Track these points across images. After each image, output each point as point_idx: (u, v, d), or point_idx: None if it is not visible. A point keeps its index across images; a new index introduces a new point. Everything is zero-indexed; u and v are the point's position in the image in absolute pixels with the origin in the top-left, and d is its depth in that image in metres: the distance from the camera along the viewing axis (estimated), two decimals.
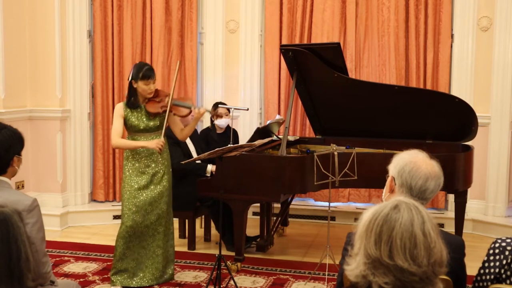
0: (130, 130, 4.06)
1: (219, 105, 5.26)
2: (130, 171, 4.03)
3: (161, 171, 4.09)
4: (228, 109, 5.18)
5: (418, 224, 1.48)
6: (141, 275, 4.07)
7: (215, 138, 5.24)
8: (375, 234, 1.49)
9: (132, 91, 4.02)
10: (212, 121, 5.34)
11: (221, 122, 5.23)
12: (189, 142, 5.07)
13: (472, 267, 2.31)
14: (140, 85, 3.98)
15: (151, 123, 4.04)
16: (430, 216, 1.52)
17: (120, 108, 4.05)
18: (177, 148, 4.90)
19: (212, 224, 5.24)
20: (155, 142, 3.94)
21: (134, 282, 4.06)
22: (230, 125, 5.02)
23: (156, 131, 4.06)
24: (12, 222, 1.72)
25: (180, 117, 4.22)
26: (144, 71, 3.96)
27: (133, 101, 4.02)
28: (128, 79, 4.05)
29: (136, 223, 3.99)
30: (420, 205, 1.54)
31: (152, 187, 4.05)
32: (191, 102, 4.22)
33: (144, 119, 4.04)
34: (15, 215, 1.75)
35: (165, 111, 4.01)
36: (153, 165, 4.06)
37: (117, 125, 4.01)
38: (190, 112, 4.13)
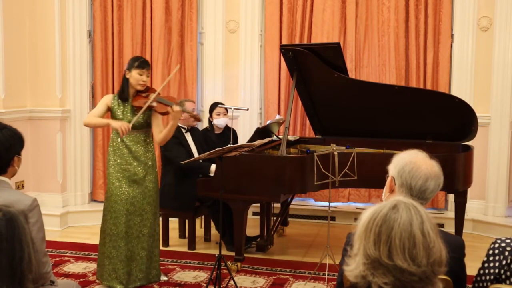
0: None
1: (219, 105, 5.26)
2: (113, 167, 3.99)
3: (143, 171, 4.01)
4: (226, 109, 5.18)
5: (417, 224, 1.48)
6: (128, 278, 3.99)
7: (214, 139, 5.23)
8: (374, 234, 1.49)
9: (125, 83, 4.01)
10: (210, 121, 5.33)
11: (219, 122, 5.23)
12: (191, 142, 5.08)
13: (472, 267, 2.31)
14: (134, 74, 3.96)
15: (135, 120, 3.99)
16: (429, 216, 1.52)
17: (108, 98, 4.05)
18: (180, 148, 4.91)
19: (212, 224, 5.24)
20: (120, 123, 3.86)
21: (119, 285, 3.98)
22: (230, 125, 5.02)
23: (140, 129, 4.00)
24: (18, 222, 1.73)
25: (159, 114, 4.04)
26: (140, 61, 3.99)
27: (123, 93, 4.00)
28: (124, 70, 4.05)
29: (119, 221, 3.95)
30: (419, 205, 1.54)
31: (134, 186, 3.99)
32: (176, 103, 4.01)
33: (129, 115, 3.99)
34: (21, 216, 1.76)
35: (153, 111, 3.99)
36: (135, 164, 3.99)
37: (97, 109, 4.02)
38: (169, 111, 3.96)
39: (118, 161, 3.98)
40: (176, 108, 3.90)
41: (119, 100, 4.01)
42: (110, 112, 4.05)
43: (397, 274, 1.46)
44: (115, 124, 3.88)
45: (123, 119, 3.97)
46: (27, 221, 1.79)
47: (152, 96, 3.94)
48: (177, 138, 4.89)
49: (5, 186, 2.50)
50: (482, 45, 5.60)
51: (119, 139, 3.99)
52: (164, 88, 6.05)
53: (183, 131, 5.04)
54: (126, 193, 3.97)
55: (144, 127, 4.03)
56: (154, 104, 3.96)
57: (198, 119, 4.43)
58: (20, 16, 5.62)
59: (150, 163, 4.07)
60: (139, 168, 4.00)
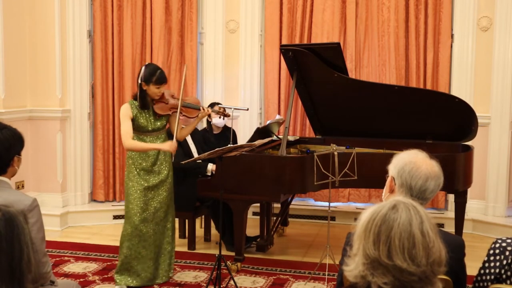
0: (137, 130, 4.05)
1: (218, 105, 5.24)
2: (138, 170, 4.06)
3: (166, 169, 4.15)
4: (225, 109, 5.17)
5: (417, 224, 1.48)
6: (155, 273, 4.13)
7: (212, 140, 5.22)
8: (373, 234, 1.49)
9: (142, 93, 4.03)
10: (208, 122, 5.32)
11: (217, 121, 5.22)
12: (190, 142, 5.07)
13: (472, 267, 2.31)
14: (152, 89, 4.00)
15: (158, 123, 4.10)
16: (428, 216, 1.52)
17: (127, 109, 4.02)
18: (178, 148, 4.89)
19: (212, 224, 5.24)
20: (169, 145, 3.99)
21: (148, 282, 4.11)
22: (230, 125, 5.02)
23: (162, 129, 4.14)
24: (17, 222, 1.72)
25: (187, 117, 4.32)
26: (158, 75, 3.98)
27: (143, 103, 4.03)
28: (138, 80, 4.03)
29: (147, 221, 4.04)
30: (419, 205, 1.54)
31: (159, 185, 4.12)
32: (198, 103, 4.32)
33: (152, 120, 4.08)
34: (20, 215, 1.76)
35: (174, 112, 4.09)
36: (158, 163, 4.12)
37: (127, 127, 3.99)
38: (199, 112, 4.21)
39: (144, 164, 4.06)
40: (206, 108, 4.20)
41: (139, 108, 4.05)
42: (132, 120, 4.03)
43: (396, 274, 1.45)
44: (165, 147, 4.00)
45: (148, 125, 4.05)
46: (26, 221, 1.78)
47: (176, 101, 4.11)
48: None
49: (5, 186, 2.50)
50: (482, 45, 5.60)
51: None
52: (164, 89, 6.07)
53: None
54: (152, 192, 4.08)
55: (164, 127, 4.17)
56: (183, 111, 4.15)
57: (226, 115, 4.59)
58: (20, 16, 5.62)
59: (169, 160, 4.21)
60: (162, 167, 4.13)
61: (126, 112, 4.01)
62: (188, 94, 6.10)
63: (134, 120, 4.03)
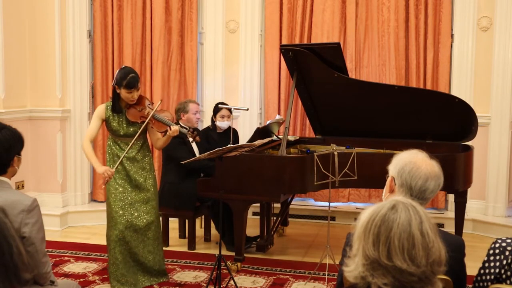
0: (111, 133, 4.03)
1: (220, 105, 5.25)
2: (114, 174, 3.95)
3: (142, 175, 4.05)
4: (231, 111, 5.18)
5: (416, 224, 1.48)
6: (132, 281, 4.01)
7: (215, 138, 5.24)
8: (373, 235, 1.49)
9: (115, 96, 3.97)
10: (213, 121, 5.33)
11: (222, 124, 5.23)
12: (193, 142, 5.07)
13: (472, 267, 2.31)
14: (123, 93, 3.91)
15: (131, 129, 3.99)
16: (428, 216, 1.52)
17: (101, 110, 4.00)
18: (183, 147, 4.91)
19: (212, 224, 5.24)
20: (104, 169, 3.82)
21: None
22: (230, 125, 5.02)
23: (134, 137, 3.97)
24: None
25: (157, 131, 4.14)
26: (128, 80, 3.85)
27: (116, 106, 3.97)
28: (112, 83, 3.99)
29: (124, 226, 3.94)
30: (418, 205, 1.54)
31: (136, 191, 4.02)
32: (171, 119, 4.12)
33: (125, 125, 4.00)
34: None
35: (143, 122, 3.96)
36: (134, 170, 4.02)
37: (93, 127, 3.99)
38: (167, 130, 4.01)
39: (119, 167, 3.97)
40: (175, 127, 3.97)
41: (114, 112, 3.99)
42: (105, 122, 4.01)
43: (396, 275, 1.45)
44: (99, 169, 3.86)
45: (119, 129, 3.98)
46: (5, 214, 1.77)
47: (148, 111, 3.97)
48: (181, 138, 4.88)
49: (5, 186, 2.50)
50: (482, 45, 5.60)
51: (116, 146, 4.02)
52: (164, 89, 6.09)
53: (185, 131, 5.03)
54: (129, 198, 4.00)
55: (135, 134, 3.99)
56: (152, 121, 4.00)
57: (196, 140, 4.38)
58: (20, 16, 5.62)
59: (148, 167, 4.10)
60: (136, 176, 4.03)
61: (98, 113, 4.01)
62: (188, 94, 6.10)
63: (107, 123, 3.99)
